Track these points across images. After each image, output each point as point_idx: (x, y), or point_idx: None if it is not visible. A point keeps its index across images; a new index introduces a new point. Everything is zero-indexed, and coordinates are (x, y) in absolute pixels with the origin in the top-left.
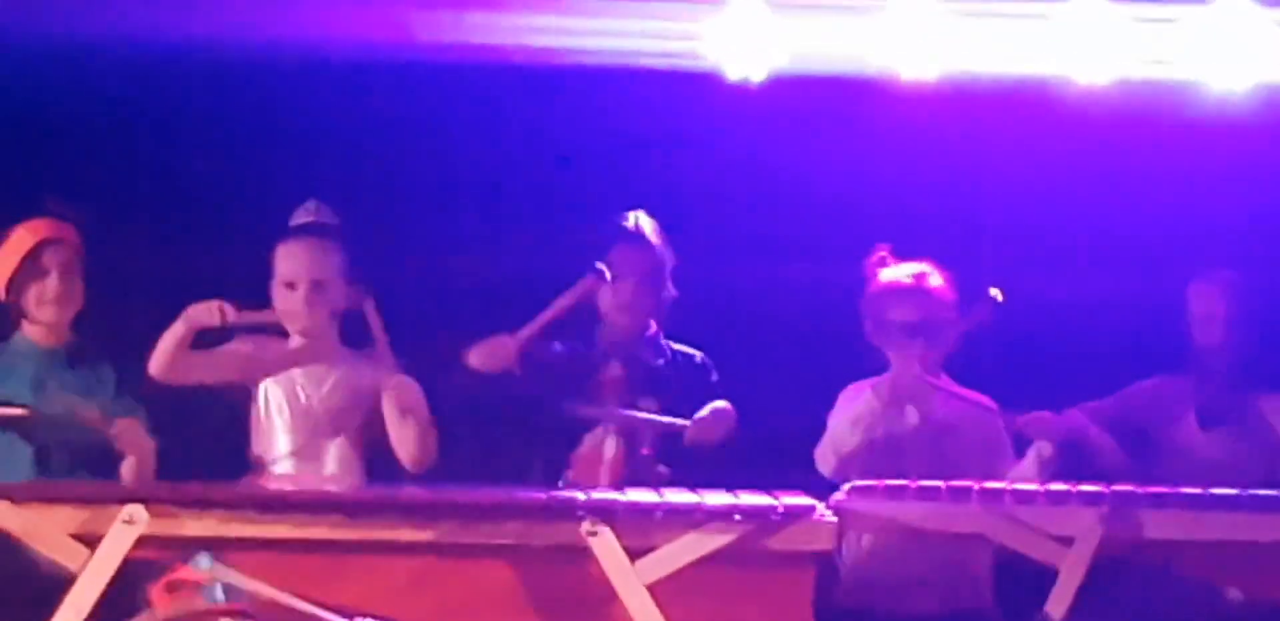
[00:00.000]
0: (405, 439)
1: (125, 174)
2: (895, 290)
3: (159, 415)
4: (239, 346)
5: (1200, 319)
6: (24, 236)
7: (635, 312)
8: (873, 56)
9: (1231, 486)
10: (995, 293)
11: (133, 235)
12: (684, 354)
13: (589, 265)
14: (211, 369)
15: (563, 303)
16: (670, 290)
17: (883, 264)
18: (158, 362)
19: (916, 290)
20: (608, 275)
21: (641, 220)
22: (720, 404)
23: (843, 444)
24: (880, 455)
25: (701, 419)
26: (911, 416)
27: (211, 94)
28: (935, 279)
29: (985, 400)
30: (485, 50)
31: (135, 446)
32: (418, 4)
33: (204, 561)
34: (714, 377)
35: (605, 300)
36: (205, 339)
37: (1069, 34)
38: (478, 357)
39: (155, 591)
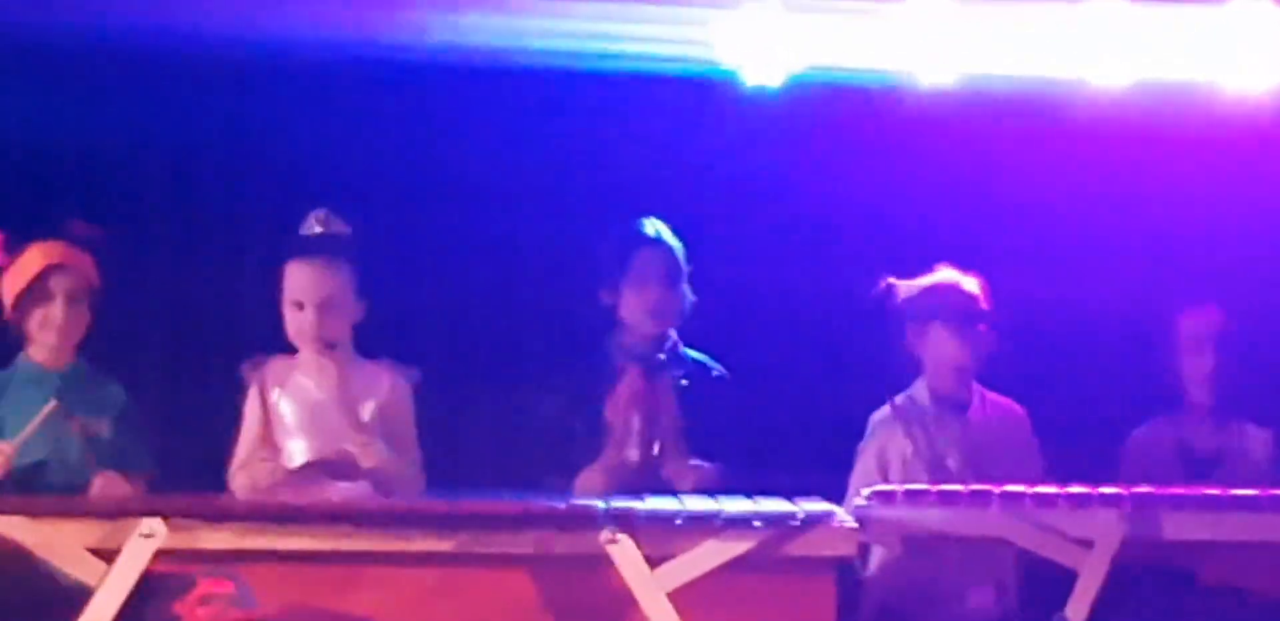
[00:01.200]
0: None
1: (135, 186)
2: (945, 285)
3: (167, 434)
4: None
5: (1189, 347)
6: (34, 258)
7: (661, 318)
8: (890, 61)
9: None
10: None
11: (140, 250)
12: (702, 365)
13: (610, 269)
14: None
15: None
16: (689, 296)
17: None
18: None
19: (964, 284)
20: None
21: (660, 227)
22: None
23: (868, 479)
24: (920, 462)
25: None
26: (953, 425)
27: (222, 101)
28: (966, 278)
29: (1015, 405)
30: (501, 54)
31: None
32: (433, 6)
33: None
34: (730, 390)
35: (632, 306)
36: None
37: (1086, 36)
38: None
39: (185, 606)
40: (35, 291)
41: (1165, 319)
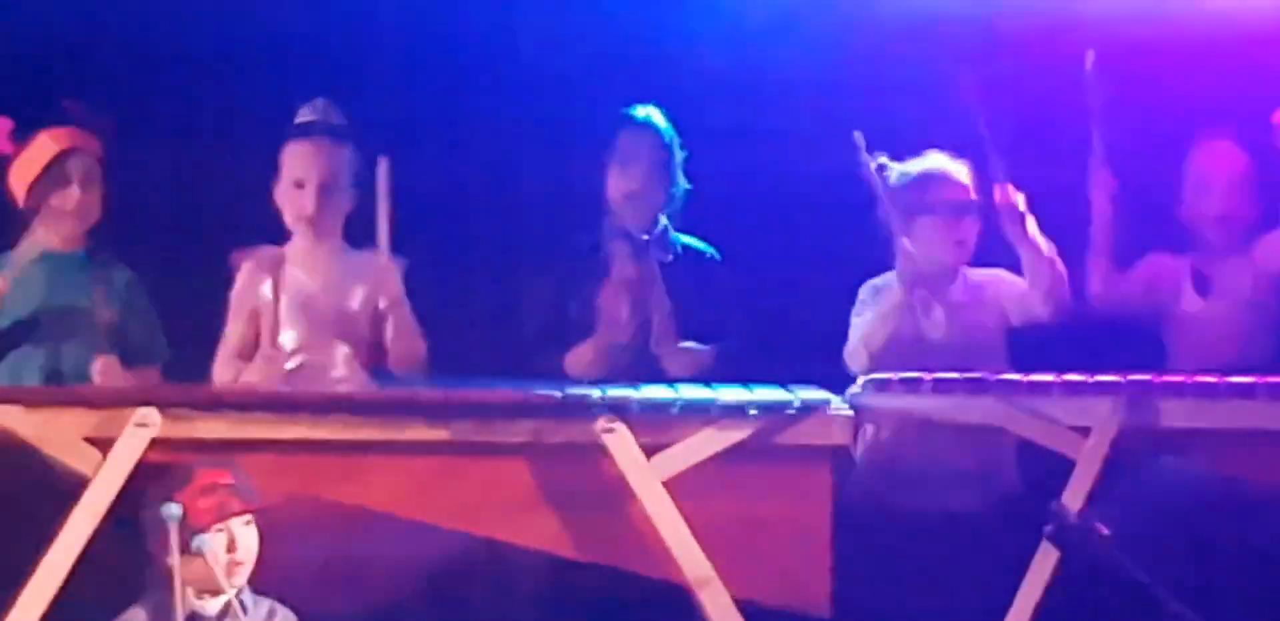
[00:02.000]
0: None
1: (136, 81)
2: (939, 173)
3: (173, 318)
4: (248, 290)
5: (1198, 185)
6: (47, 144)
7: (644, 202)
8: None
9: (1243, 357)
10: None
11: (142, 141)
12: (694, 249)
13: (596, 153)
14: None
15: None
16: (680, 183)
17: (884, 168)
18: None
19: (959, 172)
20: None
21: (651, 112)
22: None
23: (874, 339)
24: (907, 349)
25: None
26: (937, 310)
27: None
28: (958, 164)
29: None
30: None
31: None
32: None
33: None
34: (722, 274)
35: (614, 188)
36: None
37: None
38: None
39: (187, 496)
40: (51, 177)
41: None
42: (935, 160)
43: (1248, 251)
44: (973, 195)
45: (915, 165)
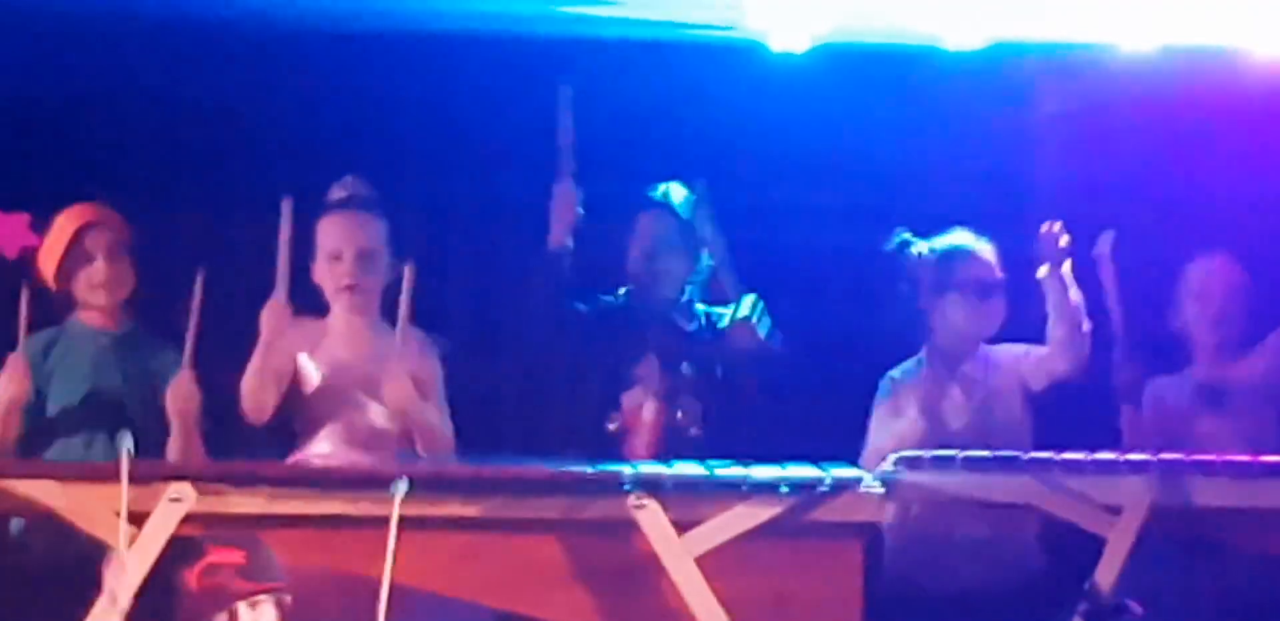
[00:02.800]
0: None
1: (164, 156)
2: (964, 252)
3: (220, 399)
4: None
5: (1196, 296)
6: (65, 223)
7: (667, 279)
8: (917, 25)
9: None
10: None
11: (176, 216)
12: (715, 313)
13: (616, 236)
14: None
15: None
16: (701, 260)
17: (906, 244)
18: (256, 410)
19: (985, 251)
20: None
21: (672, 190)
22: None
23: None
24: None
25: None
26: (955, 389)
27: (245, 69)
28: (983, 243)
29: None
30: (526, 20)
31: (183, 400)
32: None
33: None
34: (758, 323)
35: (638, 271)
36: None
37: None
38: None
39: (192, 576)
40: (74, 254)
41: (1172, 269)
42: (960, 237)
43: (1248, 355)
44: (998, 273)
45: (941, 242)
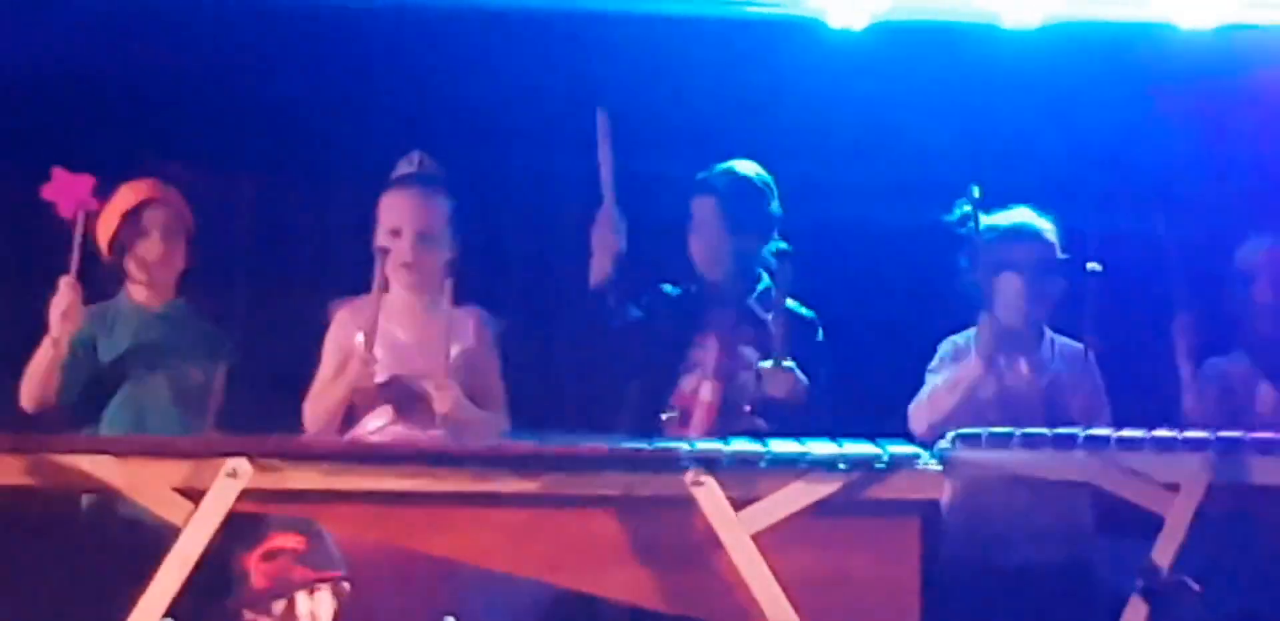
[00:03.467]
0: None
1: (227, 131)
2: (1020, 231)
3: (264, 378)
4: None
5: (1261, 278)
6: (126, 196)
7: (711, 266)
8: (975, 2)
9: None
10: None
11: (235, 194)
12: (792, 312)
13: (667, 219)
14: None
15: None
16: (760, 243)
17: (969, 216)
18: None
19: (1041, 231)
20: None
21: (738, 169)
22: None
23: (938, 408)
24: (991, 408)
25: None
26: (1021, 364)
27: (313, 46)
28: (1045, 222)
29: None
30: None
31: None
32: None
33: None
34: (819, 337)
35: (692, 254)
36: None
37: None
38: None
39: (251, 560)
40: (130, 228)
41: (1228, 252)
42: (1022, 215)
43: None
44: (1058, 254)
45: (1002, 220)
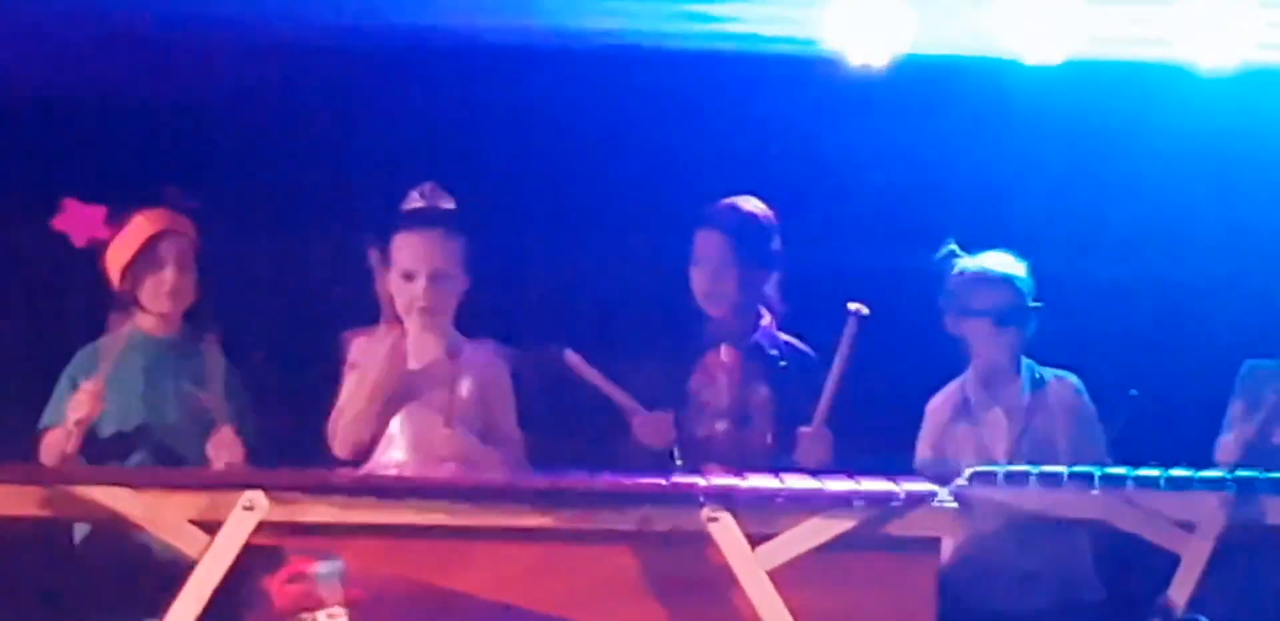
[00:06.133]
0: None
1: (239, 164)
2: (984, 278)
3: (272, 406)
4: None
5: None
6: (142, 225)
7: (714, 300)
8: (997, 40)
9: None
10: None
11: (245, 224)
12: (795, 348)
13: (678, 253)
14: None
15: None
16: (764, 279)
17: (955, 255)
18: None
19: (1006, 278)
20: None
21: (740, 205)
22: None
23: (925, 467)
24: (968, 447)
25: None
26: (996, 410)
27: (326, 80)
28: (1019, 267)
29: (1067, 379)
30: (606, 34)
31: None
32: None
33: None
34: (819, 372)
35: (694, 287)
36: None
37: (1195, 17)
38: (643, 435)
39: (274, 583)
40: (145, 259)
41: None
42: (990, 259)
43: None
44: (1028, 300)
45: (972, 264)
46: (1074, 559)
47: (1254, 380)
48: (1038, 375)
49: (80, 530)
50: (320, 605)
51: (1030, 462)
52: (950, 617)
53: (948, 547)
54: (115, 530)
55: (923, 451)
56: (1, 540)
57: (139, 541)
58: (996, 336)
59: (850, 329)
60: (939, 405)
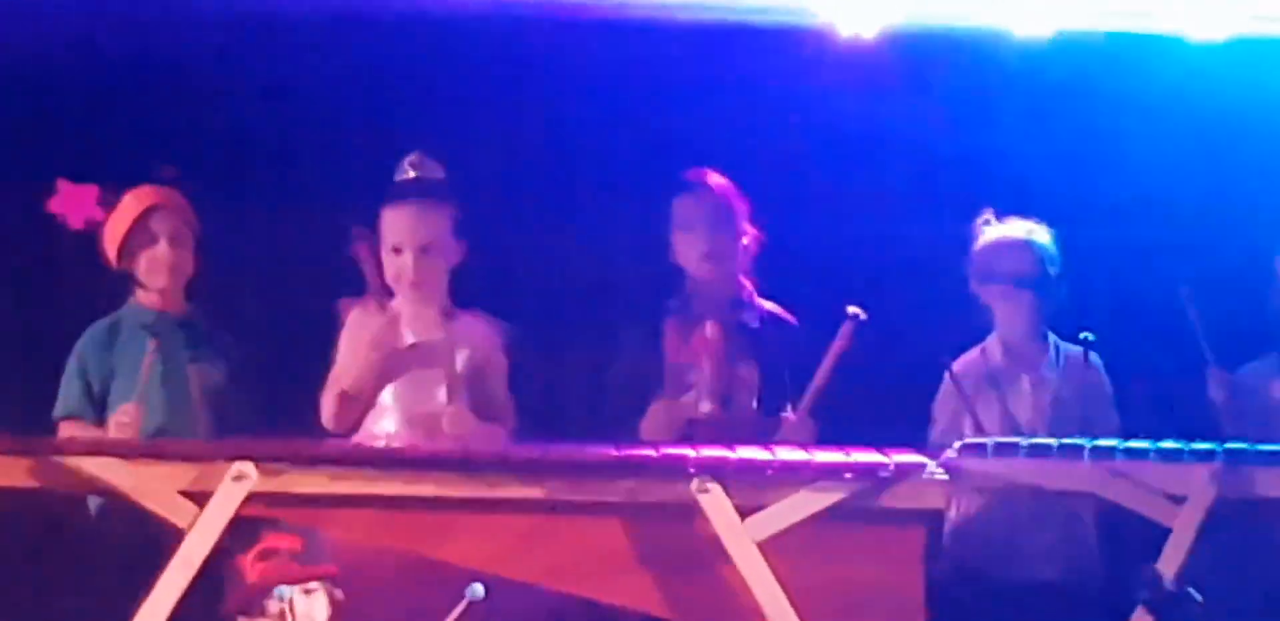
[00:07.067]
0: None
1: (230, 138)
2: (1005, 243)
3: (276, 384)
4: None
5: None
6: (131, 203)
7: (715, 261)
8: (986, 12)
9: None
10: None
11: (241, 200)
12: (776, 317)
13: (654, 218)
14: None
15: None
16: (748, 242)
17: (988, 224)
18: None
19: (1026, 243)
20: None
21: (705, 174)
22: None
23: (940, 436)
24: (991, 414)
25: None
26: (1023, 379)
27: (317, 52)
28: (1042, 234)
29: (1093, 358)
30: (592, 4)
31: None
32: None
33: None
34: (802, 342)
35: (684, 253)
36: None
37: None
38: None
39: (246, 560)
40: (138, 235)
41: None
42: (1010, 227)
43: None
44: (1037, 266)
45: (993, 232)
46: (1080, 532)
47: None
48: (1064, 349)
49: (94, 502)
50: (294, 580)
51: (1054, 435)
52: (956, 589)
53: (954, 519)
54: (113, 500)
55: (939, 416)
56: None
57: (136, 511)
58: (1016, 301)
59: (846, 330)
60: (960, 371)
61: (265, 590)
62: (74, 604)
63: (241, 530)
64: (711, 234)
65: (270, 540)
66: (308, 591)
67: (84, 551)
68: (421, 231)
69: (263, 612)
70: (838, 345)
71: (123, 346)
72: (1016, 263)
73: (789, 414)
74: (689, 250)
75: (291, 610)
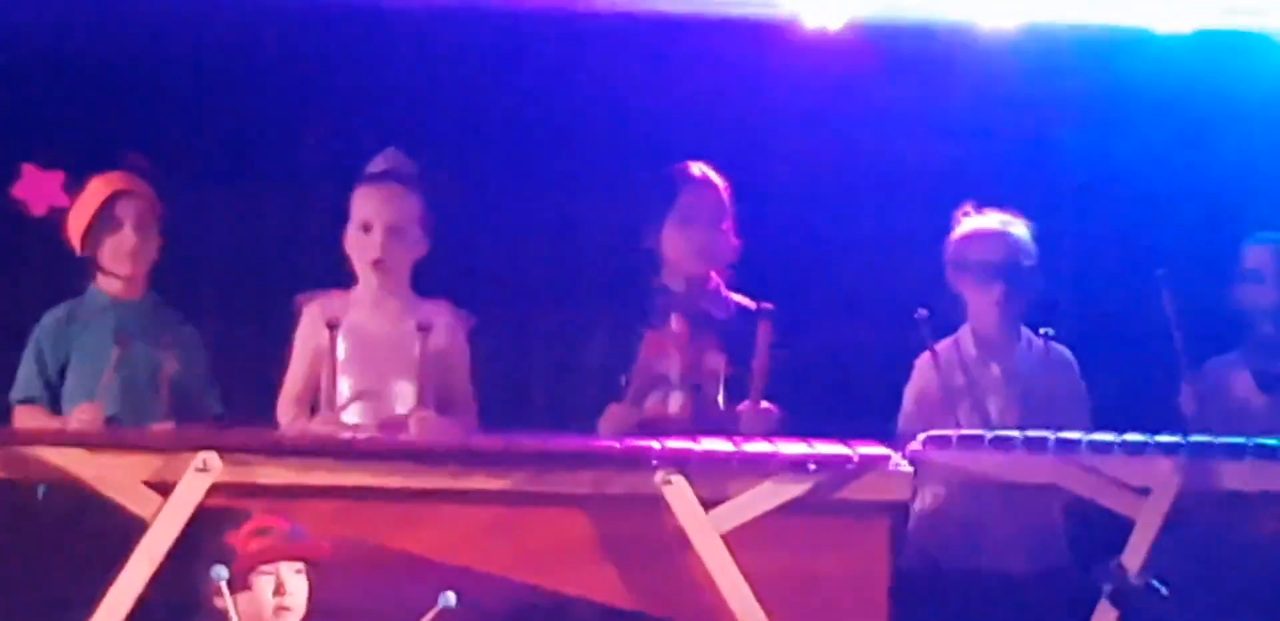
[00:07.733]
0: None
1: (200, 126)
2: (979, 233)
3: (239, 372)
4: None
5: (1252, 279)
6: (97, 189)
7: (705, 258)
8: (952, 5)
9: None
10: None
11: (208, 188)
12: (743, 306)
13: (655, 209)
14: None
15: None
16: (732, 240)
17: (967, 215)
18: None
19: (1000, 233)
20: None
21: (706, 169)
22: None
23: (911, 423)
24: (963, 404)
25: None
26: (994, 368)
27: (286, 41)
28: (1018, 226)
29: (1064, 351)
30: None
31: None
32: None
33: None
34: (773, 329)
35: (675, 245)
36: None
37: None
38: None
39: (239, 537)
40: (103, 220)
41: (1228, 252)
42: (986, 220)
43: None
44: (1022, 259)
45: (967, 223)
46: (1046, 524)
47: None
48: (1036, 343)
49: (41, 488)
50: (284, 558)
51: (1024, 425)
52: (921, 581)
53: (919, 511)
54: (76, 491)
55: (908, 406)
56: None
57: (100, 502)
58: (988, 290)
59: (766, 336)
60: (930, 360)
61: (257, 568)
62: (35, 595)
63: (231, 511)
64: (710, 230)
65: (263, 519)
66: (297, 571)
67: (43, 540)
68: (393, 210)
69: (247, 587)
70: (761, 350)
71: (80, 332)
72: (989, 253)
73: (743, 405)
74: (684, 244)
75: (282, 586)
